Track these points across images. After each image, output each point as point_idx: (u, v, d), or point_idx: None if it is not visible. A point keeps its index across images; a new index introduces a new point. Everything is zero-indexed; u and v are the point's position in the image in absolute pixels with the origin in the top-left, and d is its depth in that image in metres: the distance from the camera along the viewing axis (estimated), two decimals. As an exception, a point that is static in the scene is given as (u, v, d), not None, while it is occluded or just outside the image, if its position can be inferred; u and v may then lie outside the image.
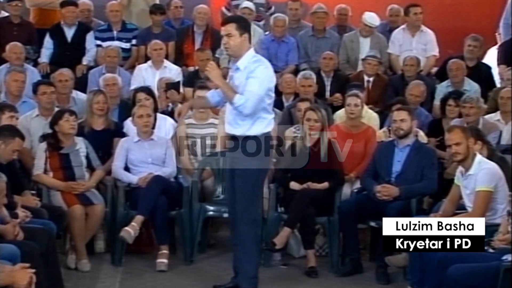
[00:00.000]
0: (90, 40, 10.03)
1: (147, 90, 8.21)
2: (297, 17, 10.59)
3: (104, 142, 7.80)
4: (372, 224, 7.34)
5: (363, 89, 8.91)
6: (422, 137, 7.98)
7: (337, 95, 9.31)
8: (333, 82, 9.60)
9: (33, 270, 4.82)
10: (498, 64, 9.92)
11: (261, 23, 10.76)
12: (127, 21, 10.37)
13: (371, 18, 10.09)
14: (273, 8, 10.85)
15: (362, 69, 9.62)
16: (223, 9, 10.92)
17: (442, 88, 9.38)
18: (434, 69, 10.24)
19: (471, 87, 9.30)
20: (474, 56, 9.82)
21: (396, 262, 6.90)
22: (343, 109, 8.37)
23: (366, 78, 9.49)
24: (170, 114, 8.43)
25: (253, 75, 6.15)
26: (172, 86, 8.77)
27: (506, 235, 5.70)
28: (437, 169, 7.36)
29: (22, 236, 5.84)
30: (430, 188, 7.22)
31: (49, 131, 7.41)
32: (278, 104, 8.48)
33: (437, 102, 9.05)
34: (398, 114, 7.34)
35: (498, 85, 9.56)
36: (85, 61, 9.91)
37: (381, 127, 8.43)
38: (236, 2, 10.67)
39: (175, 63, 9.82)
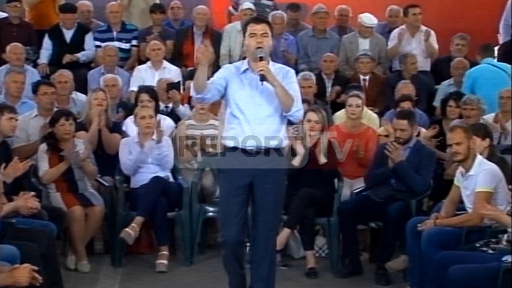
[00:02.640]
0: (89, 41, 10.02)
1: (151, 92, 8.20)
2: (296, 21, 10.60)
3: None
4: (372, 225, 7.35)
5: (361, 90, 8.91)
6: (424, 132, 7.96)
7: (337, 88, 9.32)
8: (334, 83, 9.60)
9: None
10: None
11: None
12: (126, 21, 10.37)
13: (368, 18, 10.09)
14: (279, 11, 10.56)
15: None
16: (230, 8, 10.88)
17: (444, 87, 9.39)
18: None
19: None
20: (462, 55, 9.85)
21: (397, 266, 6.91)
22: (343, 110, 8.37)
23: (361, 77, 9.52)
24: (169, 114, 8.44)
25: (293, 80, 5.86)
26: (173, 86, 8.78)
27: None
28: (433, 171, 7.32)
29: (38, 206, 6.00)
30: (420, 184, 7.14)
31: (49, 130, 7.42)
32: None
33: (436, 104, 9.05)
34: (398, 123, 7.31)
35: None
36: (80, 55, 9.88)
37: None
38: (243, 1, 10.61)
39: (173, 63, 9.81)
